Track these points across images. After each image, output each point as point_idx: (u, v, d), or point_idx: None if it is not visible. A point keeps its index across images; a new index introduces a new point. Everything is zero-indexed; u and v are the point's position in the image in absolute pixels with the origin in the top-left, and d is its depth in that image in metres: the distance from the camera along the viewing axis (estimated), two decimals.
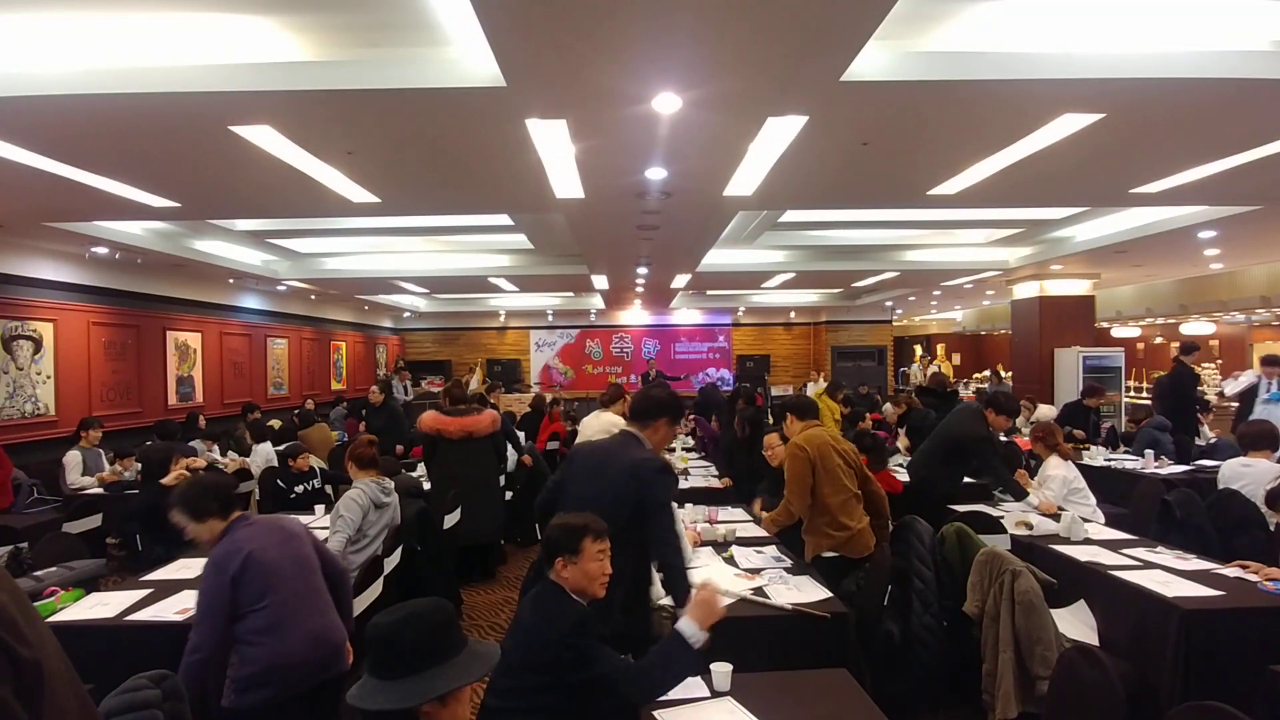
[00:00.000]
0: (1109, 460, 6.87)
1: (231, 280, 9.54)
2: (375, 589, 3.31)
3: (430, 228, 8.31)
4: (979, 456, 4.75)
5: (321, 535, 3.39)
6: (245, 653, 2.46)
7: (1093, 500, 4.71)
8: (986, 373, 15.38)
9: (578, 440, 5.93)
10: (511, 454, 7.08)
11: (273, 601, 2.48)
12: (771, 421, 7.86)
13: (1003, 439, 6.69)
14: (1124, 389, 10.87)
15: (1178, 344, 9.01)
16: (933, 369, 15.40)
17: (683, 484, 5.76)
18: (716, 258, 9.19)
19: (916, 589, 3.35)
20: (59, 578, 3.88)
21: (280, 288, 10.44)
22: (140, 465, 4.63)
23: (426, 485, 5.67)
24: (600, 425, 5.78)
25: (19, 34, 3.16)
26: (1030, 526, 4.17)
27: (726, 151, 4.33)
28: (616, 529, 2.48)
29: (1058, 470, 4.70)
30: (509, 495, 6.78)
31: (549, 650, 2.07)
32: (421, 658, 1.50)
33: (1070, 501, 4.59)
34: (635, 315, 16.74)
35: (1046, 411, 8.33)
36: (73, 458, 6.15)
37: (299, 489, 5.53)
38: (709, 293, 14.24)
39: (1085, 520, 4.26)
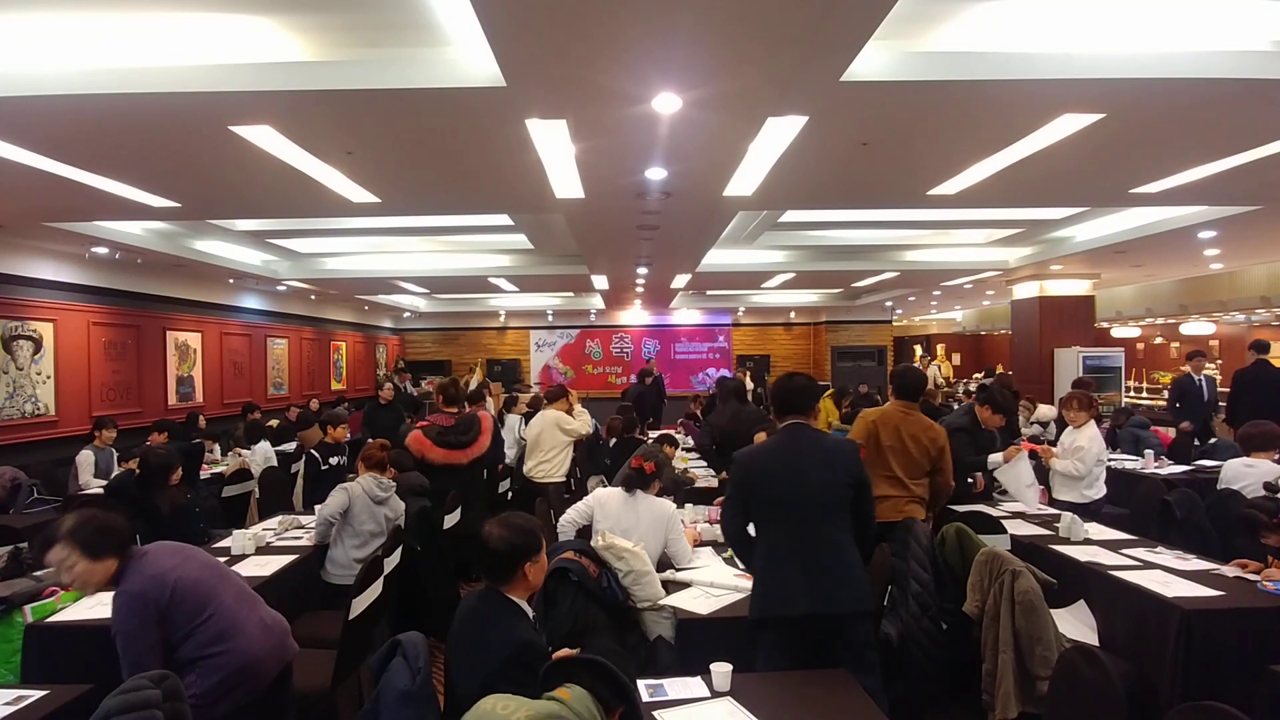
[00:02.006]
0: (1109, 460, 6.86)
1: (231, 280, 9.54)
2: (375, 589, 3.31)
3: (430, 228, 8.30)
4: (952, 447, 4.73)
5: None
6: (205, 666, 2.39)
7: (1104, 475, 4.87)
8: (981, 375, 15.39)
9: (531, 435, 6.04)
10: (507, 448, 7.12)
11: (217, 609, 2.43)
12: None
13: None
14: (1124, 389, 10.87)
15: (1232, 345, 8.94)
16: (931, 368, 15.40)
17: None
18: (716, 258, 9.19)
19: (914, 592, 3.33)
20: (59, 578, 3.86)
21: (280, 288, 10.43)
22: (139, 466, 4.61)
23: None
24: (548, 421, 5.94)
25: (19, 34, 3.16)
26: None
27: (726, 151, 4.33)
28: (840, 507, 2.72)
29: (1092, 444, 4.71)
30: (509, 495, 6.79)
31: (513, 666, 2.09)
32: None
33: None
34: (635, 315, 16.72)
35: (1047, 411, 8.33)
36: (85, 458, 6.14)
37: (333, 460, 5.43)
38: (709, 293, 14.23)
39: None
